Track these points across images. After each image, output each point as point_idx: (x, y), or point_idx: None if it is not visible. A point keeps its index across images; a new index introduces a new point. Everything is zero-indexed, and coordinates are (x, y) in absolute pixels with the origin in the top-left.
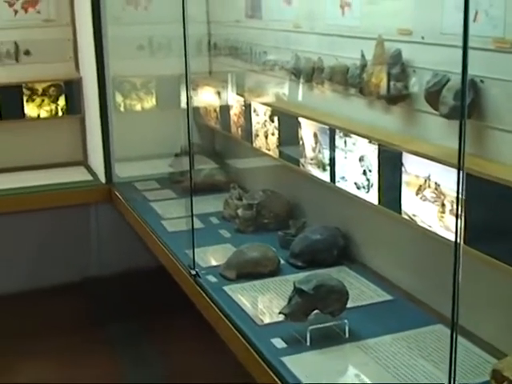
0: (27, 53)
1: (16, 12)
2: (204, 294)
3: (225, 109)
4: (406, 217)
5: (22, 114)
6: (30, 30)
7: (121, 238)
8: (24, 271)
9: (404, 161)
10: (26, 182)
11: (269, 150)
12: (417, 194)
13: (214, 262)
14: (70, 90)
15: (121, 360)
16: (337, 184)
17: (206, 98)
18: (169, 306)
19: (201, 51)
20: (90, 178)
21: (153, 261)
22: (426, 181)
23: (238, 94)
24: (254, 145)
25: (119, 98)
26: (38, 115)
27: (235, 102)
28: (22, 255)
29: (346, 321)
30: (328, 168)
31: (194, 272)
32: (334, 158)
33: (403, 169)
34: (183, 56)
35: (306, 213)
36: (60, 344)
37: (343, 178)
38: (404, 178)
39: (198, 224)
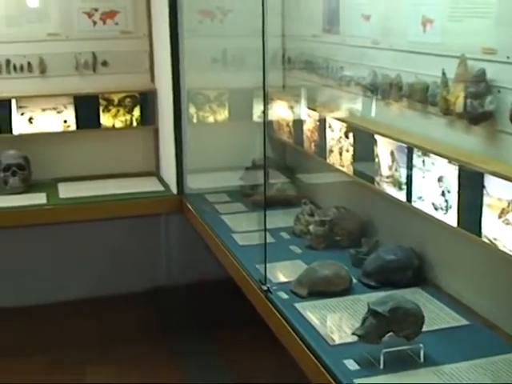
0: (104, 64)
1: (95, 23)
2: (275, 310)
3: (298, 123)
4: (486, 240)
5: (98, 124)
6: (108, 41)
7: (190, 249)
8: (94, 278)
9: (486, 183)
10: (100, 191)
11: (343, 166)
12: (499, 217)
13: (284, 278)
14: (145, 101)
15: (187, 370)
16: (413, 204)
17: (278, 111)
18: (236, 318)
19: (275, 65)
20: (161, 188)
21: (222, 272)
22: (509, 204)
23: (312, 108)
24: (328, 161)
25: (192, 110)
26: (113, 125)
27: (309, 116)
28: (94, 262)
29: (421, 345)
30: (404, 187)
31: (265, 287)
32: (411, 177)
33: (485, 191)
34: (257, 69)
35: (378, 231)
36: (127, 352)
37: (420, 197)
38: (485, 200)
39: (268, 238)
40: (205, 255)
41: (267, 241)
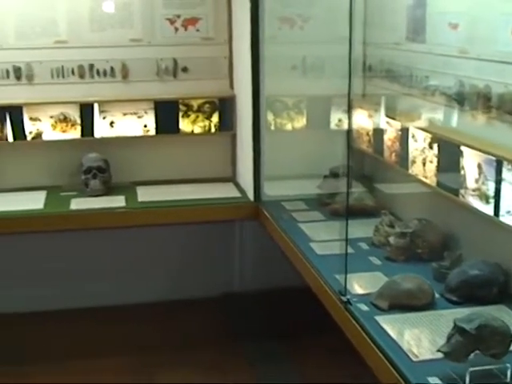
0: (185, 69)
1: (176, 29)
2: (354, 322)
3: (378, 132)
4: None
5: (177, 129)
6: (189, 48)
7: (265, 256)
8: (167, 282)
9: None
10: (177, 196)
11: (426, 177)
12: None
13: (364, 290)
14: (224, 107)
15: (258, 377)
16: (501, 218)
17: (358, 120)
18: (310, 327)
19: (355, 73)
20: (238, 194)
21: (296, 280)
22: None
23: (393, 117)
24: (410, 171)
25: (270, 117)
26: (192, 131)
27: (390, 126)
28: (167, 266)
29: (508, 365)
30: (492, 201)
31: (344, 299)
32: (499, 191)
33: None
34: (336, 77)
35: (461, 245)
36: (197, 357)
37: (509, 212)
38: None
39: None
40: (279, 262)
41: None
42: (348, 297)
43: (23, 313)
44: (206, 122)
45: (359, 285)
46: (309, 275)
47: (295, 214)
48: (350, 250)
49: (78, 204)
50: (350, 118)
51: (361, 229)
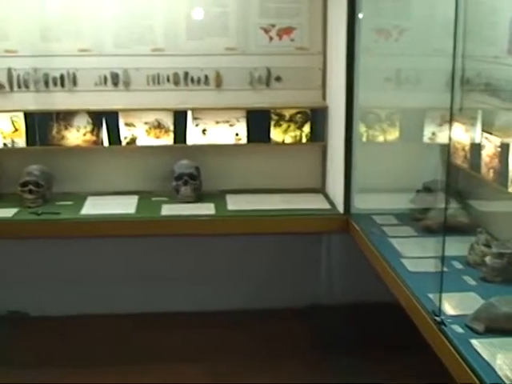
0: (278, 79)
1: (271, 39)
2: (448, 344)
3: (475, 148)
4: None
5: (268, 139)
6: (283, 57)
7: (353, 269)
8: (252, 290)
9: None
10: (266, 205)
11: None
12: None
13: (458, 311)
14: (316, 117)
15: None
16: None
17: (454, 134)
18: (398, 345)
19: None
20: (327, 206)
21: (384, 295)
22: None
23: (492, 133)
24: (510, 189)
25: (362, 129)
26: (283, 140)
27: (489, 141)
28: (253, 275)
29: None
30: None
31: (438, 319)
32: None
33: None
34: (431, 89)
35: None
36: (280, 367)
37: None
38: None
39: (440, 267)
40: (368, 276)
41: (440, 269)
42: (442, 317)
43: (119, 314)
44: (298, 132)
45: (453, 305)
46: (400, 292)
47: (386, 229)
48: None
49: (168, 210)
50: (450, 132)
51: (454, 247)
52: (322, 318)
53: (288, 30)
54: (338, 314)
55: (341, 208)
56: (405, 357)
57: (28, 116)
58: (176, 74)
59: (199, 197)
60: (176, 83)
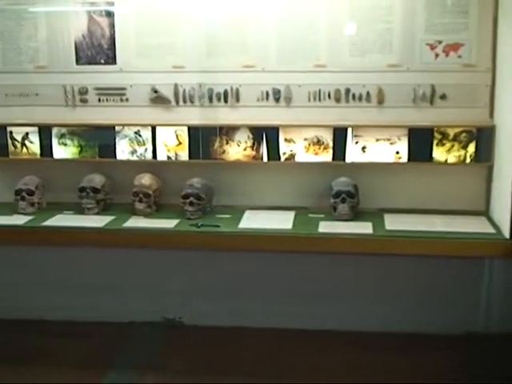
0: (443, 97)
1: (437, 55)
2: None
3: None
4: None
5: (430, 158)
6: (449, 74)
7: None
8: (405, 313)
9: None
10: (425, 226)
11: None
12: None
13: None
14: (481, 137)
15: None
16: None
17: None
18: None
19: None
20: (492, 230)
21: None
22: None
23: None
24: None
25: None
26: (446, 160)
27: None
28: (406, 296)
29: None
30: None
31: None
32: None
33: None
34: None
35: None
36: None
37: None
38: None
39: None
40: None
41: None
42: None
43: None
44: (462, 152)
45: None
46: None
47: None
48: None
49: (325, 227)
50: None
51: None
52: (478, 347)
53: (455, 46)
54: (497, 343)
55: (507, 233)
56: None
57: (191, 130)
58: (337, 91)
59: (356, 215)
60: (337, 100)
